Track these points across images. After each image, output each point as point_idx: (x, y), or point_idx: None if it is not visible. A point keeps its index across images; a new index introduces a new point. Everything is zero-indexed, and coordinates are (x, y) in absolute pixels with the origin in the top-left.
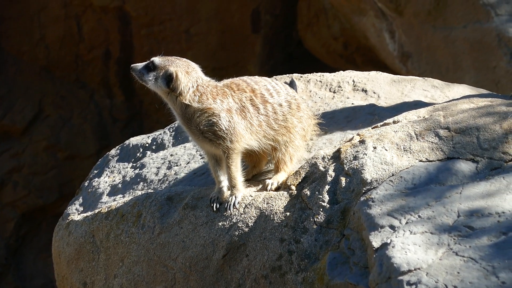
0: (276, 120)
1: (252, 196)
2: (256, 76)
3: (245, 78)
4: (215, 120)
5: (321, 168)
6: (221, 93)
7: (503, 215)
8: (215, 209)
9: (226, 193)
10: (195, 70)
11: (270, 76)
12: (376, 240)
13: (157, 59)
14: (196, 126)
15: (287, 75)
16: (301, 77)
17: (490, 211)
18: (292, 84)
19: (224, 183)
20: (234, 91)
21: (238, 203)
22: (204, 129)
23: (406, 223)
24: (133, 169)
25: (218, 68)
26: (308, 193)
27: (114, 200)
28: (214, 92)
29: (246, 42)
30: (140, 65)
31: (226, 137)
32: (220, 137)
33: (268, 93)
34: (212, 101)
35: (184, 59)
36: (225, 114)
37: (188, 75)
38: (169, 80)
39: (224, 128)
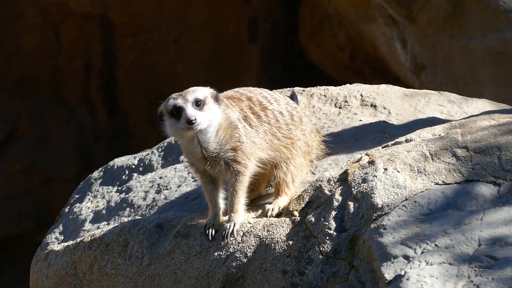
0: (279, 129)
1: (251, 223)
2: (249, 87)
3: (236, 89)
4: (236, 134)
5: (327, 192)
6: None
7: None
8: (210, 237)
9: (223, 219)
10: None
11: (270, 89)
12: (388, 272)
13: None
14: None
15: (288, 88)
16: (304, 90)
17: None
18: (293, 98)
19: (221, 208)
20: (232, 101)
21: (236, 230)
22: (227, 148)
23: (422, 252)
24: (118, 193)
25: (211, 81)
26: (313, 219)
27: (98, 227)
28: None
29: (242, 52)
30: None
31: (246, 150)
32: (240, 152)
33: (266, 100)
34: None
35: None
36: (240, 124)
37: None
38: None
39: (244, 141)
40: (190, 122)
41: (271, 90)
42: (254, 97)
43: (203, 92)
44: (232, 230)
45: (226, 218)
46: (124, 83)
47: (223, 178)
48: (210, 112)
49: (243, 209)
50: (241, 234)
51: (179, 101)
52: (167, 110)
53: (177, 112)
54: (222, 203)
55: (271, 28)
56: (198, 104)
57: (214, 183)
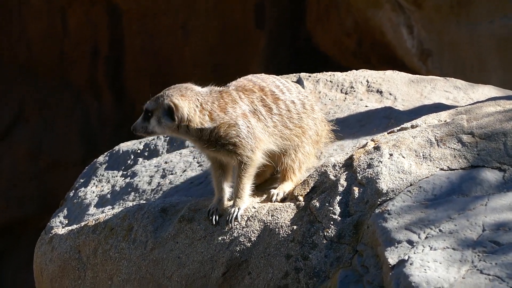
0: (290, 119)
1: (255, 208)
2: (262, 74)
3: (249, 77)
4: (234, 132)
5: (332, 177)
6: (229, 100)
7: None
8: (214, 222)
9: (227, 204)
10: (189, 89)
11: (276, 75)
12: (392, 257)
13: (148, 104)
14: (216, 143)
15: (294, 74)
16: (310, 76)
17: None
18: (299, 83)
19: (226, 193)
20: (242, 93)
21: (240, 215)
22: (225, 143)
23: (426, 237)
24: (123, 178)
25: (218, 66)
26: (317, 204)
27: (103, 212)
28: (222, 103)
29: (249, 38)
30: (138, 121)
31: (247, 145)
32: (240, 147)
33: (278, 89)
34: (223, 114)
35: (173, 85)
36: (242, 121)
37: (185, 97)
38: (171, 113)
39: (245, 136)
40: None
41: (278, 75)
42: (267, 87)
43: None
44: (236, 215)
45: (231, 203)
46: (130, 68)
47: (233, 165)
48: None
49: (248, 195)
50: (246, 219)
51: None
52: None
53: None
54: (228, 189)
55: (278, 14)
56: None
57: (224, 169)
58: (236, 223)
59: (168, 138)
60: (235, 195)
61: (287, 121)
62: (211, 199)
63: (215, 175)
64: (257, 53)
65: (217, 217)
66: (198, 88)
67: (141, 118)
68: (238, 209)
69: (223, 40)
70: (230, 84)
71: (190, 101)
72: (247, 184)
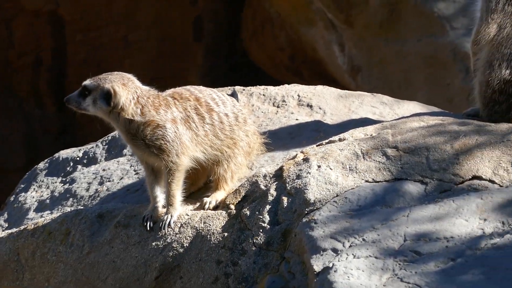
0: (222, 130)
1: (188, 215)
2: (201, 86)
3: (188, 87)
4: (160, 132)
5: (262, 187)
6: (163, 103)
7: (452, 240)
8: (148, 228)
9: (161, 211)
10: (131, 80)
11: (212, 87)
12: (317, 264)
13: (88, 82)
14: (142, 140)
15: (229, 87)
16: (244, 90)
17: (438, 235)
18: (234, 96)
19: (160, 201)
20: (177, 100)
21: (173, 222)
22: (150, 143)
23: (350, 246)
24: (62, 184)
25: (157, 78)
26: (248, 213)
27: (42, 216)
28: (156, 103)
29: (187, 51)
30: (73, 94)
31: (171, 150)
32: (165, 151)
33: (214, 102)
34: (155, 112)
35: (116, 72)
36: (170, 125)
37: (126, 87)
38: (108, 97)
39: (170, 140)
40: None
41: (214, 88)
42: (203, 98)
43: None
44: (169, 222)
45: (162, 215)
46: (73, 78)
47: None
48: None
49: (180, 201)
50: (179, 225)
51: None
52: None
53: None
54: (161, 196)
55: (215, 28)
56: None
57: (156, 175)
58: (169, 229)
59: (106, 146)
60: (168, 203)
61: (219, 131)
62: (147, 206)
63: (148, 181)
64: (195, 65)
65: (151, 224)
66: (139, 83)
67: (77, 93)
68: (171, 216)
69: (162, 52)
70: (168, 90)
71: (129, 91)
72: (177, 190)
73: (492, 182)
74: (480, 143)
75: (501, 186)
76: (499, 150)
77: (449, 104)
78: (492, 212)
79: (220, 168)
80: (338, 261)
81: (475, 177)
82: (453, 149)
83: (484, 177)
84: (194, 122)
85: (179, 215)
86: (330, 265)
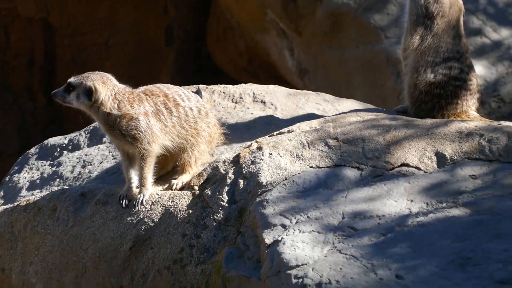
0: (187, 122)
1: (158, 195)
2: (169, 84)
3: (158, 85)
4: (134, 124)
5: (222, 171)
6: (137, 98)
7: (383, 218)
8: (124, 205)
9: (135, 191)
10: (110, 79)
11: (181, 86)
12: (268, 237)
13: (73, 80)
14: (119, 131)
15: (194, 85)
16: (207, 88)
17: (371, 214)
18: (198, 93)
19: (134, 182)
20: (149, 96)
21: (145, 200)
22: (125, 133)
23: (296, 222)
24: (50, 167)
25: (134, 77)
26: (209, 193)
27: (32, 194)
28: (131, 98)
29: (160, 54)
30: (59, 89)
31: (144, 138)
32: (139, 140)
33: (180, 98)
34: (129, 107)
35: (97, 71)
36: (143, 117)
37: (105, 85)
38: (90, 94)
39: (143, 130)
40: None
41: (183, 86)
42: (171, 94)
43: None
44: (142, 200)
45: (136, 194)
46: (61, 76)
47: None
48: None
49: (151, 182)
50: (150, 203)
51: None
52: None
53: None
54: (135, 178)
55: (184, 34)
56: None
57: (131, 161)
58: (142, 206)
59: (88, 135)
60: (140, 184)
61: (184, 123)
62: (122, 186)
63: (124, 165)
64: (166, 67)
65: (126, 202)
66: (116, 81)
67: (62, 88)
68: (143, 195)
69: (138, 55)
70: (141, 87)
71: (108, 89)
72: (149, 173)
73: (418, 168)
74: (408, 135)
75: (425, 172)
76: (424, 141)
77: (383, 102)
78: (418, 195)
79: (185, 154)
80: (286, 235)
81: (403, 164)
82: (385, 140)
83: (411, 164)
84: (163, 115)
85: (151, 194)
86: (279, 238)
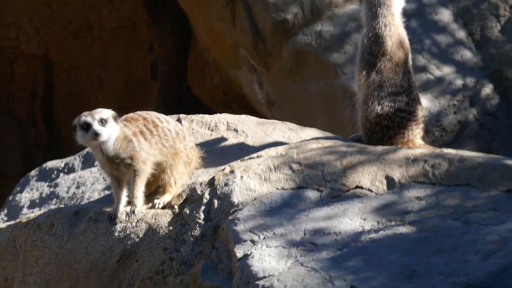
0: (166, 140)
1: (143, 213)
2: (148, 111)
3: (137, 112)
4: (131, 145)
5: (199, 192)
6: (122, 124)
7: (340, 235)
8: (113, 223)
9: (123, 210)
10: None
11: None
12: (239, 252)
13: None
14: (115, 156)
15: (175, 115)
16: (186, 117)
17: (329, 231)
18: (179, 121)
19: (122, 202)
20: (129, 122)
21: (137, 211)
22: (124, 157)
23: (264, 238)
24: (48, 188)
25: (124, 107)
26: (188, 212)
27: (32, 212)
28: (121, 126)
29: (146, 87)
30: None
31: (140, 158)
32: (135, 159)
33: (159, 120)
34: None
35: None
36: (134, 138)
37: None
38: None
39: (138, 150)
40: (96, 135)
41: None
42: (149, 117)
43: (106, 113)
44: (134, 210)
45: (127, 208)
46: (59, 105)
47: (127, 178)
48: (110, 128)
49: (142, 197)
50: (136, 221)
51: (89, 119)
52: (79, 124)
53: (87, 126)
54: (124, 198)
55: (167, 70)
56: (102, 122)
57: (119, 182)
58: (134, 216)
59: (82, 159)
60: (132, 197)
61: (164, 141)
62: (112, 205)
63: (113, 187)
64: (152, 99)
65: (115, 219)
66: None
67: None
68: (136, 206)
69: (127, 87)
70: (123, 116)
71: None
72: (141, 187)
73: (370, 190)
74: (362, 161)
75: (377, 194)
76: (376, 166)
77: (340, 131)
78: (370, 214)
79: (165, 175)
80: (255, 249)
81: (357, 187)
82: (342, 165)
83: (364, 186)
84: (146, 134)
85: (141, 206)
86: (249, 252)
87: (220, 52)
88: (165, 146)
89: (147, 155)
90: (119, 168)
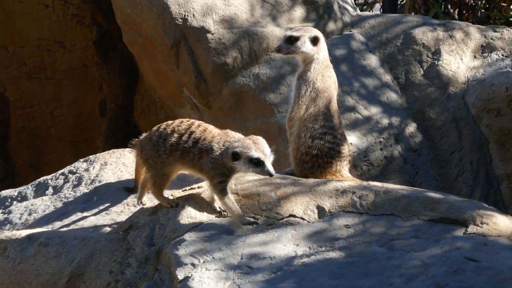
0: None
1: (93, 238)
2: None
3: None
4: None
5: (143, 220)
6: None
7: (274, 259)
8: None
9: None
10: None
11: (111, 149)
12: (180, 274)
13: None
14: None
15: (122, 149)
16: (131, 151)
17: (265, 255)
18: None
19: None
20: None
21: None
22: None
23: (203, 262)
24: (2, 214)
25: (74, 141)
26: (133, 237)
27: None
28: None
29: (95, 123)
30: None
31: None
32: None
33: None
34: None
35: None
36: None
37: None
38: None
39: None
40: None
41: (113, 149)
42: None
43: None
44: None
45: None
46: (14, 140)
47: None
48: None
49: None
50: (84, 245)
51: (262, 156)
52: (248, 157)
53: (258, 162)
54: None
55: (115, 107)
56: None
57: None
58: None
59: (34, 188)
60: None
61: None
62: (60, 232)
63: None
64: (101, 134)
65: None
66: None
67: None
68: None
69: (78, 123)
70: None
71: None
72: None
73: (303, 219)
74: (295, 192)
75: (309, 222)
76: (308, 197)
77: (276, 164)
78: (302, 240)
79: None
80: (195, 272)
81: (291, 215)
82: (276, 195)
83: (297, 215)
84: None
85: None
86: (190, 275)
87: (165, 91)
88: None
89: None
90: None
